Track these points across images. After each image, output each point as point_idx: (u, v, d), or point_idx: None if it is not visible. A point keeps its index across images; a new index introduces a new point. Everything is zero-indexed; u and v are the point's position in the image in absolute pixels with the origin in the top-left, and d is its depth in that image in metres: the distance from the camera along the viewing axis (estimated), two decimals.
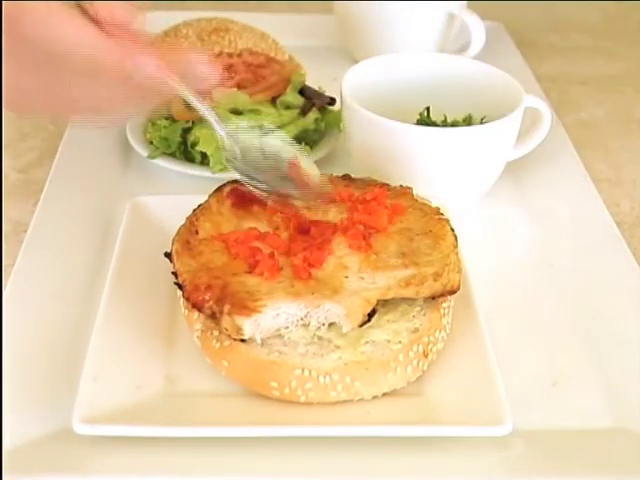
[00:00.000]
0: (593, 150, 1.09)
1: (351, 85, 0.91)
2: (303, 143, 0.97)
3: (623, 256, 0.82)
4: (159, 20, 1.28)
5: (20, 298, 0.74)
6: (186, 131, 0.96)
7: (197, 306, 0.65)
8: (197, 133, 0.94)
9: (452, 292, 0.69)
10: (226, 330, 0.64)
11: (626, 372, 0.71)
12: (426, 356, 0.67)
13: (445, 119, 0.96)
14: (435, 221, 0.73)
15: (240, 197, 0.74)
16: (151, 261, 0.76)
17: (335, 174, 0.80)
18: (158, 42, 0.94)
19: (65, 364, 0.69)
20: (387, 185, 0.77)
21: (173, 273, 0.69)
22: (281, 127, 0.96)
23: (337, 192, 0.75)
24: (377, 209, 0.72)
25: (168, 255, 0.72)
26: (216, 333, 0.66)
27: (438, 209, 0.75)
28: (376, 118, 0.85)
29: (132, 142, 1.00)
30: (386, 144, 0.86)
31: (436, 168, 0.87)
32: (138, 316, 0.72)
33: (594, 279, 0.82)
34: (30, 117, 1.09)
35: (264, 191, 0.72)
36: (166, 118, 0.99)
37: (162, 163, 0.97)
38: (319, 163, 0.97)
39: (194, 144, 0.95)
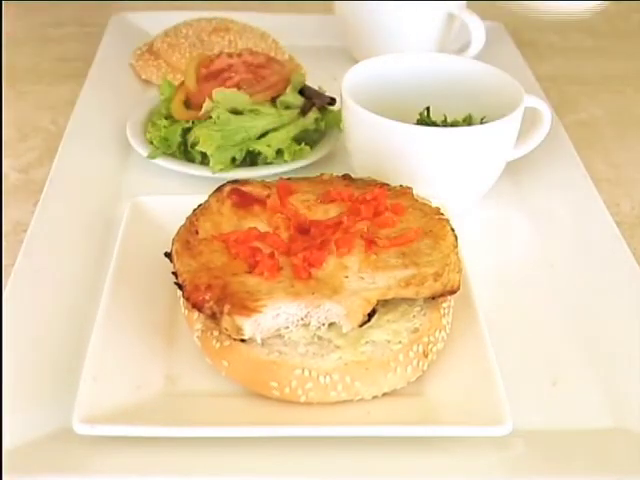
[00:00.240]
0: (593, 150, 1.09)
1: (351, 85, 0.91)
2: (303, 143, 0.97)
3: (623, 256, 0.82)
4: (159, 20, 1.29)
5: (20, 298, 0.74)
6: (186, 131, 0.96)
7: (197, 306, 0.65)
8: (197, 133, 0.94)
9: (452, 292, 0.69)
10: (226, 330, 0.64)
11: (626, 372, 0.71)
12: (426, 356, 0.67)
13: (445, 119, 0.96)
14: (435, 221, 0.73)
15: (240, 197, 0.74)
16: (151, 261, 0.76)
17: (335, 174, 0.80)
18: None
19: (65, 364, 0.69)
20: (387, 185, 0.77)
21: (173, 273, 0.69)
22: (281, 127, 0.96)
23: (337, 192, 0.75)
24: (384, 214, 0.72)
25: (168, 255, 0.72)
26: (216, 333, 0.66)
27: (438, 209, 0.75)
28: (376, 118, 0.85)
29: (132, 142, 1.00)
30: (386, 144, 0.86)
31: (436, 168, 0.87)
32: (138, 316, 0.72)
33: (594, 279, 0.82)
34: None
35: None
36: (166, 118, 0.99)
37: (162, 163, 0.97)
38: (319, 163, 0.98)
39: (194, 144, 0.95)
